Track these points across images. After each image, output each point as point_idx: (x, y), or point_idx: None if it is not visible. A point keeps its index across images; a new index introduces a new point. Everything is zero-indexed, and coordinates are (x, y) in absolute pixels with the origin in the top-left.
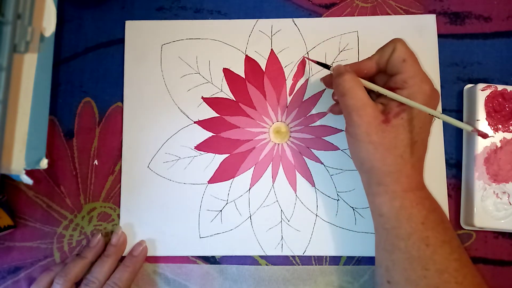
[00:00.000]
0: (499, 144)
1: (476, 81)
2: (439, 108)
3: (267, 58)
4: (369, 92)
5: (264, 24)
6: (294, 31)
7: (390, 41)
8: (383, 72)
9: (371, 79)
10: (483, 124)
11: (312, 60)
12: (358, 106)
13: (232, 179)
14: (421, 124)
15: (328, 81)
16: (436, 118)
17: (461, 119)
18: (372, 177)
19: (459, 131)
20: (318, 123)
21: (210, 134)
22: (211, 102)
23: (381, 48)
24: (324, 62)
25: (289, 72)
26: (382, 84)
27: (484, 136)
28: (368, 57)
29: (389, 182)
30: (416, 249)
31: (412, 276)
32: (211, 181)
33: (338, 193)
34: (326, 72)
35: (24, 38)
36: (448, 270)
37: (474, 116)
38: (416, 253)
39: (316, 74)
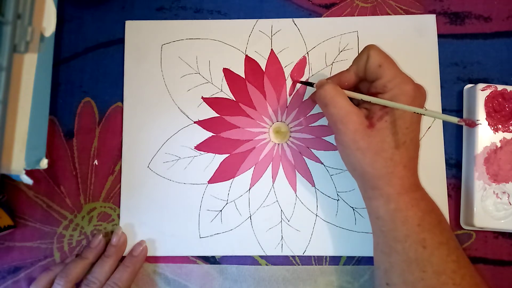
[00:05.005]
0: (499, 144)
1: (476, 81)
2: (439, 108)
3: (267, 58)
4: (352, 99)
5: (264, 24)
6: (294, 31)
7: (363, 49)
8: (364, 79)
9: (355, 87)
10: (483, 124)
11: (296, 81)
12: (342, 114)
13: (232, 179)
14: (407, 124)
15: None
16: (432, 118)
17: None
18: (365, 181)
19: (459, 131)
20: (318, 123)
21: (210, 134)
22: (211, 102)
23: (356, 57)
24: (308, 81)
25: (289, 72)
26: (366, 90)
27: (472, 124)
28: (346, 69)
29: (382, 185)
30: (413, 251)
31: (410, 278)
32: (211, 181)
33: (338, 193)
34: (323, 75)
35: (24, 38)
36: (445, 271)
37: (474, 116)
38: (413, 255)
39: (316, 74)
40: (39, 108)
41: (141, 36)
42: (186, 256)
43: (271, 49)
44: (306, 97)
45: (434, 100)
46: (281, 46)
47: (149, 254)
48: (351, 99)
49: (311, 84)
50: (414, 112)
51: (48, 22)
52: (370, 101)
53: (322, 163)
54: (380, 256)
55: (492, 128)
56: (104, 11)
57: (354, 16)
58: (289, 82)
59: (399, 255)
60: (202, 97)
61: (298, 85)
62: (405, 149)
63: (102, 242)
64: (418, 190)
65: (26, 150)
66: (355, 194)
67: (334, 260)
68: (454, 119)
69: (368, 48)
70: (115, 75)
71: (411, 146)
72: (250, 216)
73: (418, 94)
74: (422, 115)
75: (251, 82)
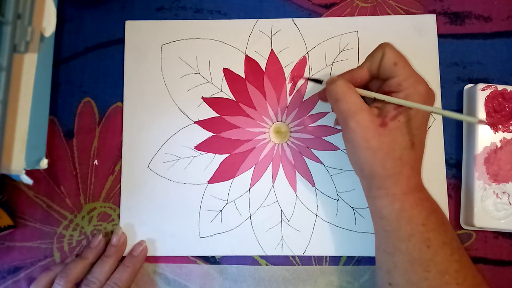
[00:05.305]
0: (499, 144)
1: (476, 81)
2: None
3: (267, 58)
4: (363, 98)
5: (264, 24)
6: (294, 31)
7: (378, 47)
8: (375, 77)
9: (364, 86)
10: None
11: (305, 78)
12: (354, 111)
13: (232, 179)
14: (417, 125)
15: (324, 96)
16: (433, 117)
17: (461, 119)
18: (372, 181)
19: (459, 131)
20: (318, 123)
21: (210, 134)
22: (211, 102)
23: (370, 54)
24: (317, 78)
25: (289, 72)
26: (376, 89)
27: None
28: (359, 66)
29: (389, 185)
30: (417, 251)
31: (413, 278)
32: (211, 181)
33: (338, 193)
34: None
35: (24, 38)
36: (448, 271)
37: (474, 116)
38: (417, 255)
39: (316, 74)
40: (39, 108)
41: (141, 36)
42: (186, 256)
43: (271, 49)
44: (306, 97)
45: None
46: (281, 46)
47: (149, 254)
48: (363, 98)
49: (319, 81)
50: (432, 112)
51: (48, 22)
52: (383, 100)
53: (322, 163)
54: (383, 256)
55: (492, 128)
56: (104, 11)
57: (354, 16)
58: (289, 82)
59: (402, 254)
60: (202, 97)
61: (298, 85)
62: (414, 149)
63: (102, 242)
64: (422, 190)
65: (26, 150)
66: (355, 194)
67: (334, 260)
68: (474, 119)
69: (383, 45)
70: (115, 75)
71: (419, 147)
72: (250, 216)
73: (430, 96)
74: (430, 117)
75: (251, 82)
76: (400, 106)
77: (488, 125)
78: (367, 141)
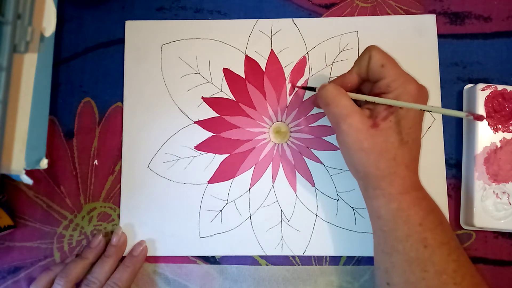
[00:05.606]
0: (499, 144)
1: (476, 81)
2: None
3: (267, 58)
4: (356, 100)
5: (264, 24)
6: (294, 31)
7: (364, 50)
8: (366, 80)
9: (357, 89)
10: (483, 124)
11: (298, 87)
12: (345, 113)
13: (232, 179)
14: (410, 125)
15: (318, 102)
16: (433, 117)
17: (461, 119)
18: (367, 182)
19: (459, 131)
20: (318, 123)
21: (210, 134)
22: (211, 102)
23: (357, 59)
24: (310, 86)
25: (289, 72)
26: (368, 91)
27: (480, 118)
28: (348, 71)
29: (384, 185)
30: (414, 251)
31: (411, 278)
32: (211, 181)
33: (338, 193)
34: (322, 79)
35: (24, 38)
36: (446, 271)
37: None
38: (415, 255)
39: (316, 74)
40: (39, 108)
41: (141, 36)
42: (186, 256)
43: (271, 49)
44: (306, 97)
45: (434, 100)
46: (281, 46)
47: (149, 254)
48: (354, 101)
49: (313, 89)
50: (421, 110)
51: (48, 22)
52: (374, 102)
53: (322, 163)
54: (381, 256)
55: (492, 128)
56: (104, 11)
57: (354, 16)
58: (289, 82)
59: (400, 254)
60: (202, 97)
61: (298, 85)
62: (407, 149)
63: (102, 242)
64: (419, 190)
65: (26, 150)
66: (355, 194)
67: (334, 260)
68: (461, 114)
69: (370, 48)
70: (115, 75)
71: (414, 146)
72: (250, 216)
73: (421, 94)
74: (424, 116)
75: (251, 82)
76: (390, 106)
77: (476, 118)
78: (360, 143)
